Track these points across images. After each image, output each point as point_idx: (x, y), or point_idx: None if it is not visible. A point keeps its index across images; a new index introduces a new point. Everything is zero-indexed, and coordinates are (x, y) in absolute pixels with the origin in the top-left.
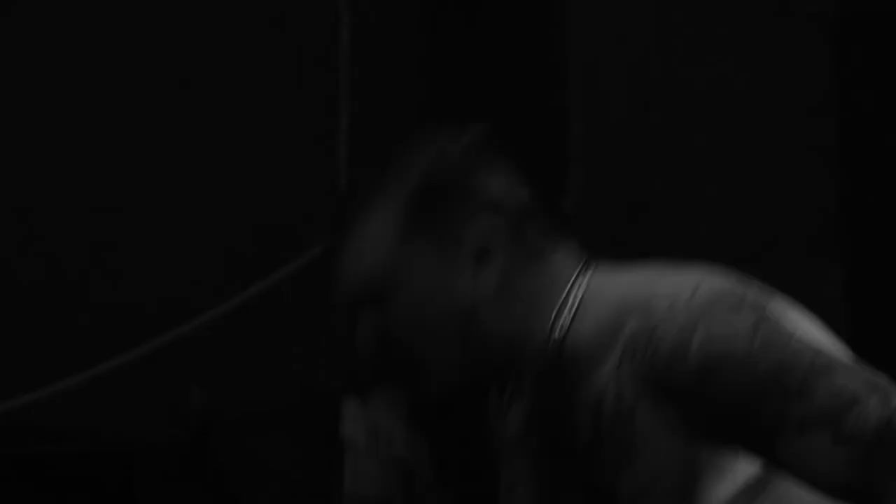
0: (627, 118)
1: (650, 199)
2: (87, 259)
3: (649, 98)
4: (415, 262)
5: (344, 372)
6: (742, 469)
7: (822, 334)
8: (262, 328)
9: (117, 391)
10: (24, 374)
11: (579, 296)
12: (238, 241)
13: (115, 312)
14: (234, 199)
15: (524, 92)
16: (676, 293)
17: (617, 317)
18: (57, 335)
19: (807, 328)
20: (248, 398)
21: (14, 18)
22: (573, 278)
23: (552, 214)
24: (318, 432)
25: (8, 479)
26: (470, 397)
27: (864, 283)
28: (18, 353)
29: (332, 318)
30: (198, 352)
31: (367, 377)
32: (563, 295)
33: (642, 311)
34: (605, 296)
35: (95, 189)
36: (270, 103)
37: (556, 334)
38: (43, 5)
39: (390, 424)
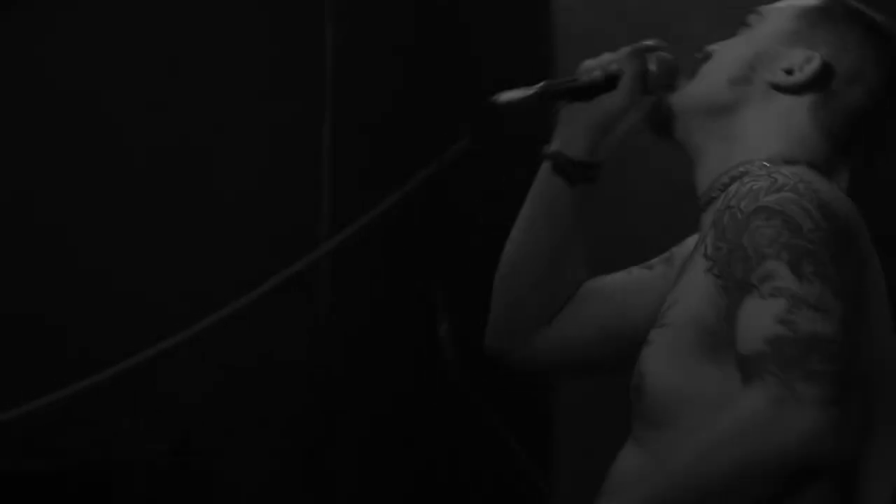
0: None
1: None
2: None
3: None
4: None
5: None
6: None
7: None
8: (241, 345)
9: (95, 408)
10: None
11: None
12: (220, 256)
13: (93, 329)
14: (214, 215)
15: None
16: (803, 176)
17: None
18: (31, 351)
19: (869, 272)
20: (228, 414)
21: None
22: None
23: None
24: (296, 449)
25: None
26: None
27: None
28: None
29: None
30: (176, 368)
31: None
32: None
33: (762, 165)
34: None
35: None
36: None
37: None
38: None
39: None
